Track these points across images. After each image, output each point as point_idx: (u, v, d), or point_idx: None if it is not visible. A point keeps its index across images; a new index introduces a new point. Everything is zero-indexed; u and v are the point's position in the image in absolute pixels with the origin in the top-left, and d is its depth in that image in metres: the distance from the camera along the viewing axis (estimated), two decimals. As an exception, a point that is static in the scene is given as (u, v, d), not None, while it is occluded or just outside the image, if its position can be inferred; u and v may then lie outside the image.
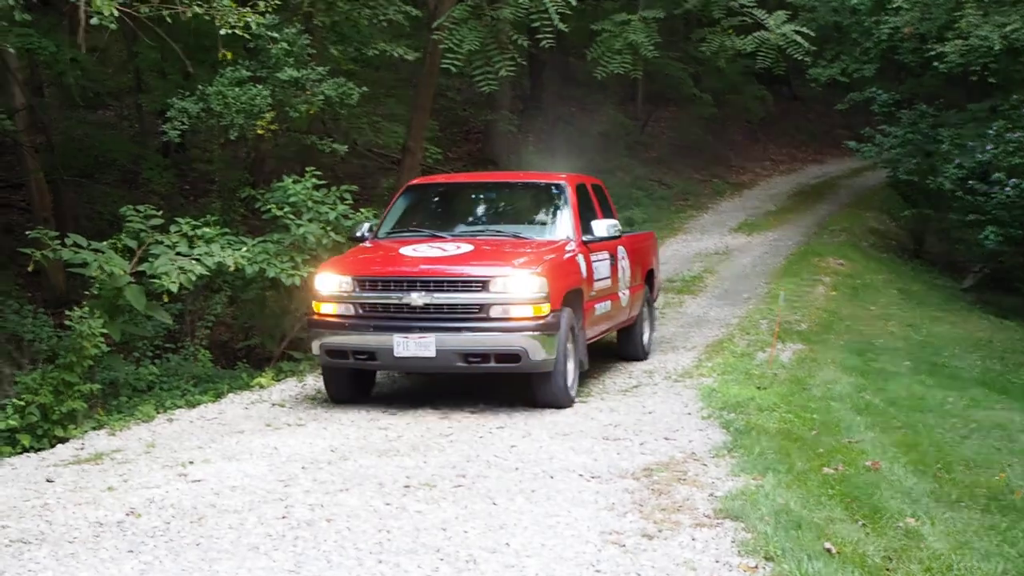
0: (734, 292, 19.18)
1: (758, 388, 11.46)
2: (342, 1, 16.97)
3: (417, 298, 10.38)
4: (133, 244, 11.23)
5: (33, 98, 18.41)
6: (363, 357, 10.59)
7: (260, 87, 12.79)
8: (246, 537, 6.67)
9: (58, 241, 10.80)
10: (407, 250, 11.07)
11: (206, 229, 11.66)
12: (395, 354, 10.32)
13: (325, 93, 13.32)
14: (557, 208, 12.14)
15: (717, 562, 6.16)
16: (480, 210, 12.66)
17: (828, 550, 6.24)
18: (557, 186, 12.32)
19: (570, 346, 10.87)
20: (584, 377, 12.62)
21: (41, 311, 13.13)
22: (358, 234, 12.00)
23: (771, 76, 29.13)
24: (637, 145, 32.80)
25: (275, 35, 12.75)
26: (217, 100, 12.64)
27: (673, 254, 23.39)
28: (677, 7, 16.14)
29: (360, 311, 10.61)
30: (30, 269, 10.81)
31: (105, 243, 11.00)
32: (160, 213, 11.73)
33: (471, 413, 10.57)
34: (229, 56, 11.39)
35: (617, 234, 12.08)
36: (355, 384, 11.31)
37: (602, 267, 12.13)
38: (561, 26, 13.44)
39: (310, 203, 12.71)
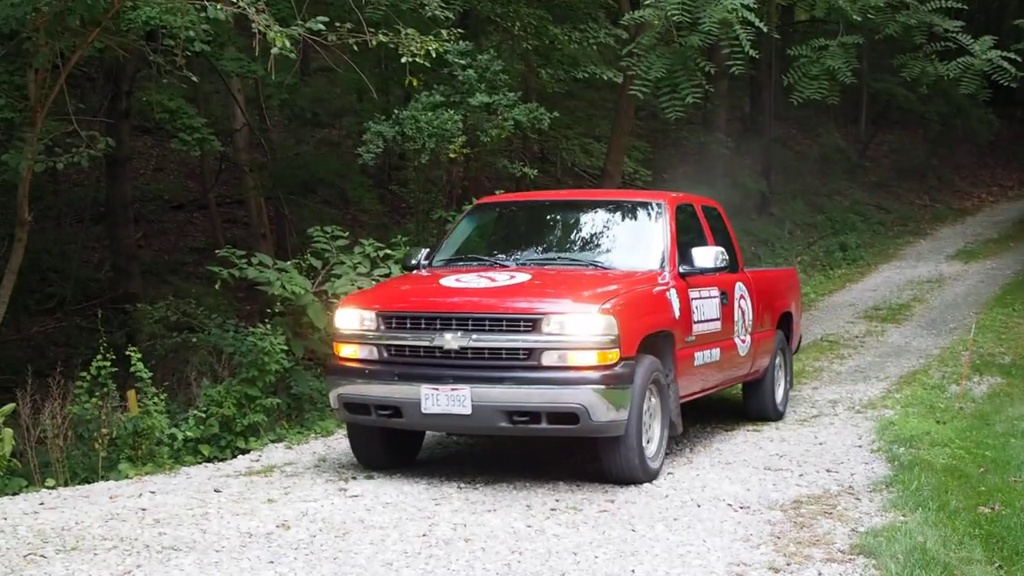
0: (940, 322, 18.61)
1: (937, 422, 11.16)
2: (552, 25, 17.37)
3: (451, 340, 8.48)
4: (318, 264, 11.68)
5: (255, 119, 19.38)
6: (387, 413, 8.71)
7: (452, 112, 13.14)
8: (383, 553, 6.90)
9: (245, 260, 11.32)
10: (449, 280, 9.27)
11: (388, 251, 12.01)
12: (423, 409, 8.47)
13: (515, 118, 13.59)
14: (648, 232, 10.11)
15: (837, 600, 6.09)
16: (556, 234, 10.55)
17: (950, 592, 6.10)
18: (650, 205, 10.37)
19: (653, 403, 8.98)
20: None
21: (242, 325, 13.75)
22: (413, 262, 10.17)
23: (1007, 98, 28.13)
24: (857, 168, 32.12)
25: (462, 62, 13.10)
26: (410, 124, 13.05)
27: (884, 281, 22.89)
28: (878, 33, 15.75)
29: (385, 355, 8.77)
30: (217, 287, 11.38)
31: (290, 263, 11.48)
32: (347, 234, 12.16)
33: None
34: (415, 83, 11.75)
35: (723, 265, 9.87)
36: (390, 445, 9.36)
37: (707, 306, 10.11)
38: (752, 52, 13.35)
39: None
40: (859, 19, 15.14)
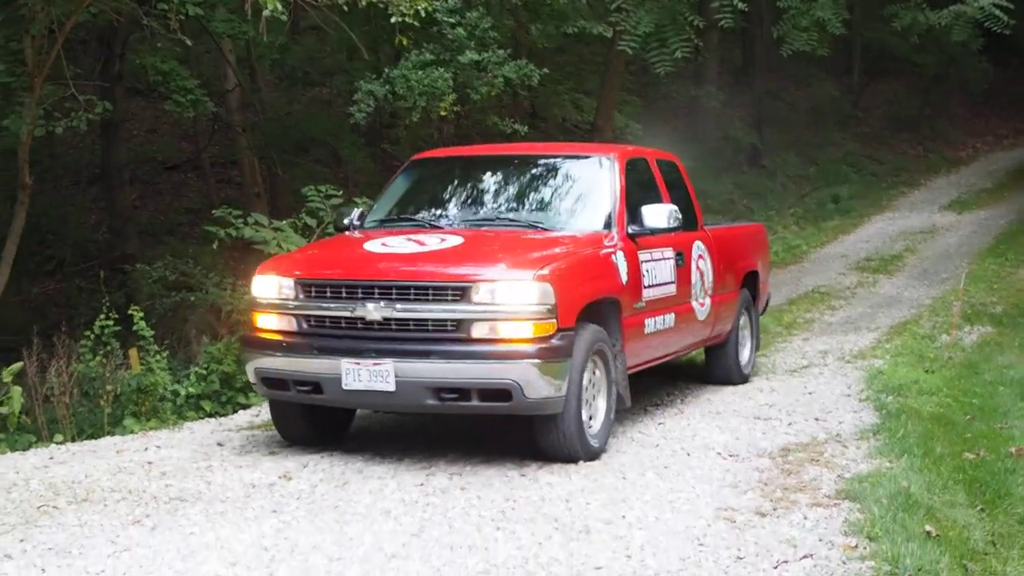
0: (932, 272, 18.89)
1: (926, 371, 11.41)
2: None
3: (373, 310, 7.81)
4: (312, 223, 11.90)
5: (246, 79, 19.54)
6: (306, 389, 8.06)
7: (442, 70, 13.32)
8: (381, 502, 7.16)
9: (241, 220, 11.54)
10: (373, 244, 8.55)
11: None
12: (343, 385, 7.83)
13: (505, 75, 13.76)
14: (594, 190, 9.35)
15: (820, 540, 6.35)
16: (495, 192, 9.68)
17: (928, 532, 6.36)
18: (597, 160, 9.68)
19: (596, 377, 8.35)
20: (758, 356, 12.77)
21: (240, 283, 13.97)
22: (345, 222, 9.53)
23: (1001, 46, 28.21)
24: (850, 119, 32.30)
25: (451, 20, 13.26)
26: (401, 83, 13.23)
27: (876, 232, 23.16)
28: (869, -20, 15.95)
29: (305, 326, 8.10)
30: (214, 246, 11.60)
31: (285, 222, 11.71)
32: (340, 193, 12.36)
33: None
34: (405, 42, 11.91)
35: (676, 224, 9.13)
36: (316, 420, 8.69)
37: (660, 269, 9.43)
38: (741, 5, 13.53)
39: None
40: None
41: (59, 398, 9.66)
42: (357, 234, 9.23)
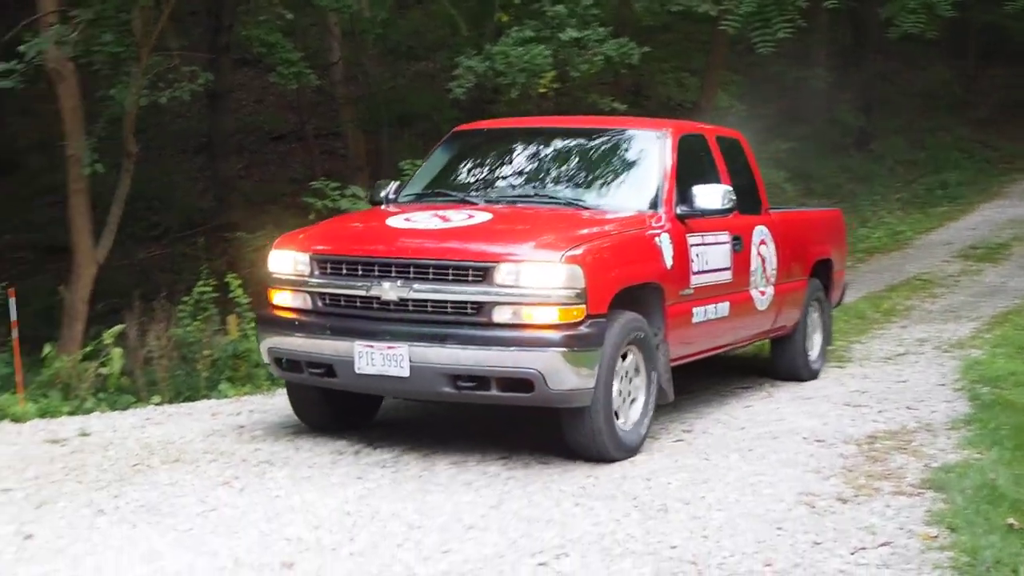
0: (1041, 262, 18.55)
1: (1025, 363, 11.24)
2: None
3: (389, 289, 7.34)
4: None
5: (351, 52, 19.77)
6: (319, 371, 7.62)
7: (542, 47, 13.33)
8: (463, 474, 7.28)
9: (338, 192, 11.72)
10: (396, 220, 8.08)
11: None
12: (355, 369, 7.36)
13: (606, 53, 13.74)
14: (642, 167, 8.79)
15: (900, 529, 6.32)
16: (536, 167, 9.12)
17: (1010, 525, 6.29)
18: (648, 136, 9.05)
19: (632, 368, 7.80)
20: (849, 342, 12.73)
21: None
22: (380, 195, 9.10)
23: None
24: (963, 104, 31.61)
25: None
26: (501, 59, 13.27)
27: (984, 220, 22.78)
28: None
29: (320, 304, 7.68)
30: (310, 218, 11.78)
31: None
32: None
33: (716, 375, 10.78)
34: (505, 18, 11.96)
35: (729, 206, 8.54)
36: (336, 404, 8.26)
37: (713, 254, 8.83)
38: (847, -13, 13.36)
39: None
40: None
41: (158, 361, 9.94)
42: (392, 208, 8.72)
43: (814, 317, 10.97)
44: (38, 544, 5.86)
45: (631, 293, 7.69)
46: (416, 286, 7.29)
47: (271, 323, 7.89)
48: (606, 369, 7.35)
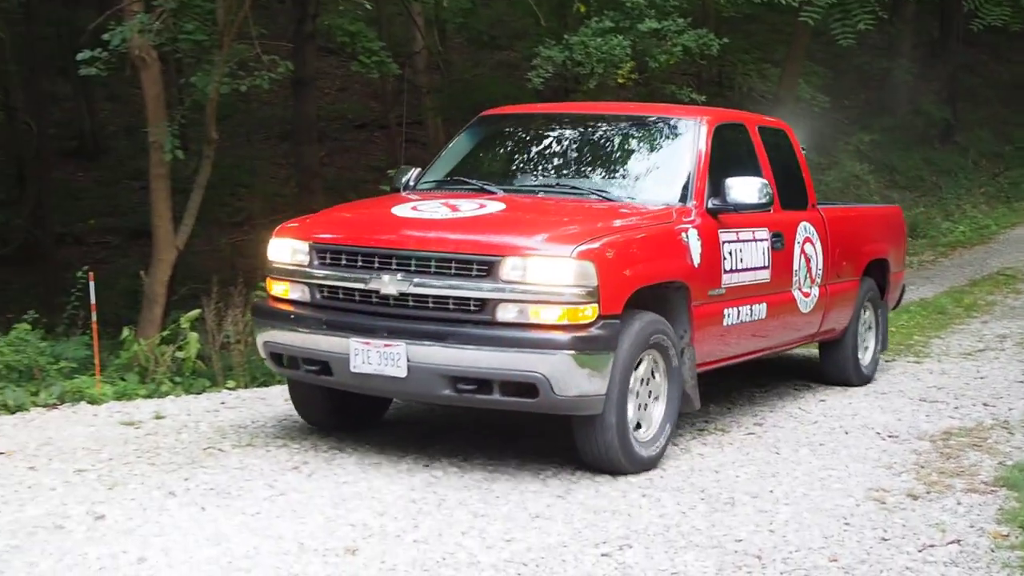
0: None
1: (1107, 361, 11.00)
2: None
3: (388, 283, 6.72)
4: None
5: (434, 42, 19.82)
6: (314, 368, 7.07)
7: (620, 37, 13.25)
8: (531, 463, 7.22)
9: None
10: (403, 208, 7.47)
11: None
12: (351, 367, 6.77)
13: (684, 44, 13.63)
14: (672, 157, 8.17)
15: (971, 527, 6.20)
16: (562, 156, 8.52)
17: (1083, 526, 6.16)
18: (682, 124, 8.36)
19: (652, 374, 7.14)
20: (928, 338, 12.52)
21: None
22: (401, 181, 8.43)
23: None
24: (1052, 97, 31.02)
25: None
26: (579, 49, 13.22)
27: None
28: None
29: (318, 297, 7.11)
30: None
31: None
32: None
33: (792, 369, 10.66)
34: (583, 9, 11.91)
35: (766, 200, 7.78)
36: (339, 402, 7.68)
37: (749, 251, 8.13)
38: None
39: None
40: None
41: (235, 346, 10.02)
42: (410, 196, 8.13)
43: (867, 320, 10.27)
44: (108, 524, 5.92)
45: (653, 292, 7.11)
46: (417, 280, 6.68)
47: (267, 316, 7.35)
48: (620, 374, 6.73)
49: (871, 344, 10.35)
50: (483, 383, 6.59)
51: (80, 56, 11.07)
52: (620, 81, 13.60)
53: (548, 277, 6.50)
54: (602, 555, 5.62)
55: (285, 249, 7.25)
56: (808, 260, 8.99)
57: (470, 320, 6.58)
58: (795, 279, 8.81)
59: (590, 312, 6.52)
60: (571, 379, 6.49)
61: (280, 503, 6.30)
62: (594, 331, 6.54)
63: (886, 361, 11.20)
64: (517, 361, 6.46)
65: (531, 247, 6.62)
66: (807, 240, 9.00)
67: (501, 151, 8.88)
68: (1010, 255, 18.83)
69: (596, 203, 7.64)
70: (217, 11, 11.38)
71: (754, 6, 19.35)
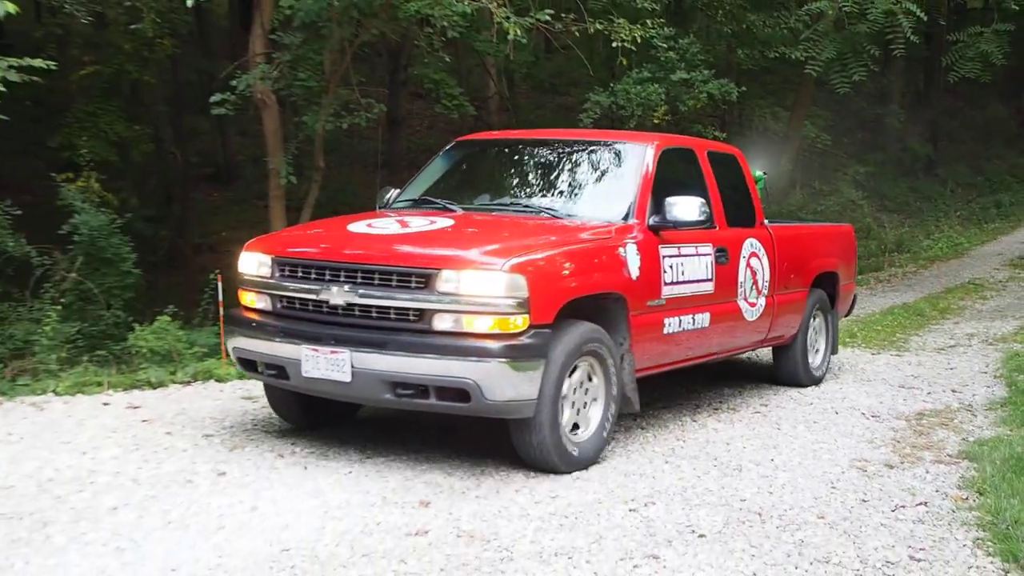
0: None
1: (1059, 356, 10.78)
2: (751, 13, 17.14)
3: (337, 294, 6.17)
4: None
5: (504, 88, 19.86)
6: (273, 372, 6.53)
7: (656, 86, 13.24)
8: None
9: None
10: (358, 225, 6.85)
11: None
12: (302, 372, 6.22)
13: (709, 91, 13.57)
14: (618, 178, 7.44)
15: (936, 491, 6.13)
16: (522, 177, 7.90)
17: (1033, 493, 6.06)
18: (629, 148, 7.64)
19: (586, 379, 6.47)
20: (908, 335, 12.36)
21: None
22: (384, 200, 7.86)
23: None
24: (1016, 137, 30.59)
25: (664, 45, 13.16)
26: (622, 95, 13.22)
27: (1033, 235, 21.95)
28: (1031, 20, 15.07)
29: (278, 306, 6.54)
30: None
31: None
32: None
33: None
34: (625, 62, 11.91)
35: (703, 218, 7.07)
36: (310, 403, 7.00)
37: (690, 265, 7.36)
38: (913, 38, 12.98)
39: None
40: (1016, 8, 14.49)
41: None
42: (388, 212, 7.50)
43: (817, 326, 9.54)
44: (228, 479, 6.01)
45: (592, 303, 6.49)
46: (362, 291, 6.10)
47: (236, 323, 6.77)
48: (552, 380, 6.07)
49: (821, 348, 9.65)
50: (420, 388, 5.98)
51: (212, 98, 11.25)
52: (656, 121, 13.57)
53: (480, 289, 5.88)
54: (630, 510, 5.62)
55: (252, 262, 6.69)
56: (755, 273, 8.27)
57: (409, 329, 5.99)
58: (740, 290, 8.07)
59: (521, 322, 5.90)
60: (501, 385, 5.85)
61: (367, 465, 6.35)
62: (524, 340, 5.91)
63: (873, 354, 11.11)
64: (451, 368, 5.84)
65: (466, 260, 6.01)
66: (753, 255, 8.27)
67: (469, 172, 8.30)
68: (979, 267, 18.55)
69: (543, 220, 6.95)
70: (325, 62, 11.48)
71: (768, 60, 19.28)
